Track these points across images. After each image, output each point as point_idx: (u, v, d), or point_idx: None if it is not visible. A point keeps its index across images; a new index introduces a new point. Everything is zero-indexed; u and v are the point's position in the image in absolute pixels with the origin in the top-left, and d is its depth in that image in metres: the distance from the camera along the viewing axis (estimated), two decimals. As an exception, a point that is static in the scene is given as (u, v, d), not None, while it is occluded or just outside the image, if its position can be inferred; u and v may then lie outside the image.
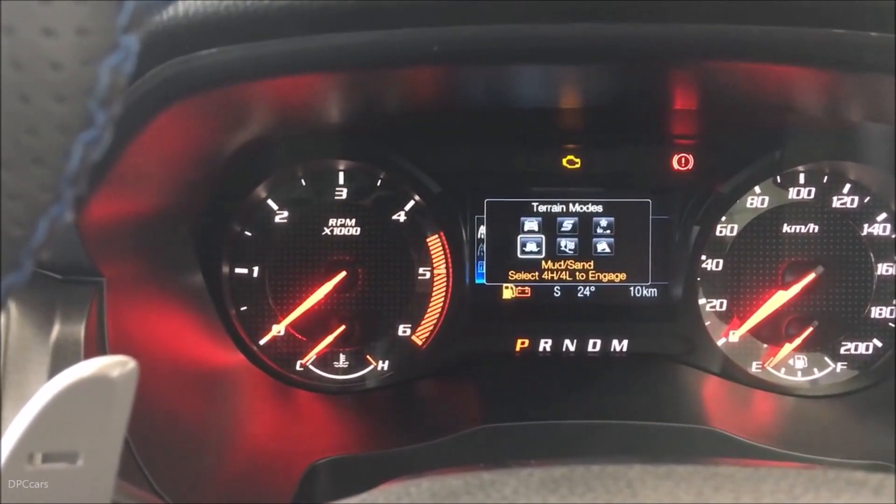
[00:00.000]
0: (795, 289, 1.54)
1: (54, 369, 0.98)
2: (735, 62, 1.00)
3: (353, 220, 1.56)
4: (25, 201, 0.39)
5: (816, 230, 1.55)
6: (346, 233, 1.56)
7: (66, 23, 0.38)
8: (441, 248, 1.57)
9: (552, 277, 1.60)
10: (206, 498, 1.12)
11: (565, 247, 1.60)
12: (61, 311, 1.02)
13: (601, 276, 1.60)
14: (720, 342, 1.58)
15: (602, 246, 1.59)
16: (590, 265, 1.60)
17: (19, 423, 0.59)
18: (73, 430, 0.60)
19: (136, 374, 0.62)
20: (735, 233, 1.56)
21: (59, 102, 0.38)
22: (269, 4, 0.86)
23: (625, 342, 1.59)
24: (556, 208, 1.59)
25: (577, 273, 1.60)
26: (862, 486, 0.58)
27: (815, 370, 1.58)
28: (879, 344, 1.56)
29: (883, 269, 1.55)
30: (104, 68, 0.39)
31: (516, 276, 1.60)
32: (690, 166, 1.57)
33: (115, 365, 0.61)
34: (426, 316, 1.58)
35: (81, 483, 0.61)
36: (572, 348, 1.59)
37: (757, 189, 1.55)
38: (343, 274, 1.54)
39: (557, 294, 1.60)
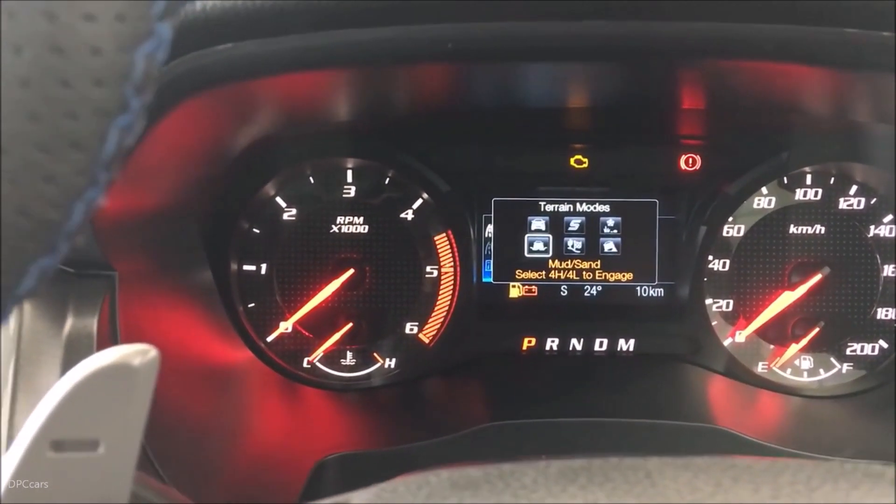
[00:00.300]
0: (802, 289, 1.54)
1: (67, 362, 0.98)
2: (743, 61, 1.01)
3: (361, 219, 1.56)
4: (62, 185, 0.40)
5: (823, 231, 1.56)
6: (354, 231, 1.57)
7: (106, 9, 0.38)
8: (448, 246, 1.58)
9: (559, 277, 1.60)
10: (214, 493, 1.12)
11: (572, 246, 1.60)
12: (74, 305, 1.03)
13: (608, 276, 1.60)
14: (726, 342, 1.58)
15: (609, 245, 1.60)
16: (597, 265, 1.60)
17: (42, 410, 0.59)
18: (95, 419, 0.60)
19: (157, 363, 0.62)
20: (742, 233, 1.57)
21: (97, 87, 0.39)
22: (285, 1, 0.87)
23: (631, 342, 1.59)
24: (564, 208, 1.59)
25: (584, 272, 1.60)
26: (880, 478, 0.58)
27: (821, 371, 1.58)
28: (885, 345, 1.57)
29: (889, 270, 1.56)
30: (140, 55, 0.40)
31: (523, 275, 1.60)
32: (697, 167, 1.57)
33: (137, 353, 0.61)
34: (433, 314, 1.59)
35: (101, 472, 0.62)
36: (579, 347, 1.60)
37: (764, 190, 1.56)
38: (351, 272, 1.55)
39: (564, 293, 1.61)
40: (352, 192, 1.57)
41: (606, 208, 1.59)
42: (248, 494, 1.17)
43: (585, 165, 1.58)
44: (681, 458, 0.59)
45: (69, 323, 1.01)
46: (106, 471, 0.62)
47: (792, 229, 1.56)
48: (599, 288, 1.60)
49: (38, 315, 1.01)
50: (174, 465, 1.07)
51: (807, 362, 1.58)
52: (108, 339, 1.03)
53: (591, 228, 1.60)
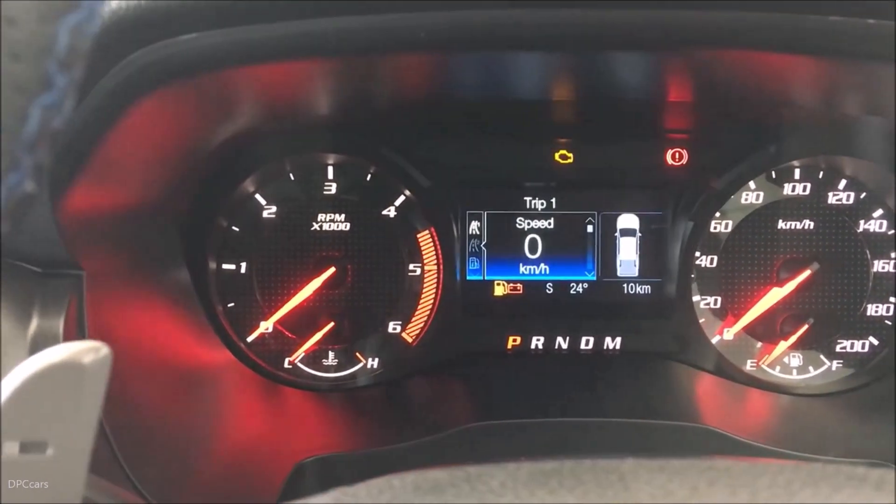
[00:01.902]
0: (790, 286, 1.52)
1: (32, 363, 0.95)
2: (730, 50, 0.98)
3: (343, 216, 1.54)
4: (-22, 169, 0.37)
5: (812, 226, 1.53)
6: (336, 228, 1.54)
7: (21, -23, 0.35)
8: (432, 243, 1.55)
9: (544, 274, 1.57)
10: (189, 497, 1.09)
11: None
12: (40, 305, 1.00)
13: (594, 273, 1.57)
14: (714, 340, 1.56)
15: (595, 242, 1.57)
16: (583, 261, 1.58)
17: (-16, 413, 0.56)
18: (43, 419, 0.58)
19: (109, 361, 0.59)
20: (729, 229, 1.54)
21: (14, 61, 0.36)
22: (253, -13, 0.84)
23: (618, 339, 1.57)
24: (549, 203, 1.56)
25: (570, 269, 1.57)
26: (862, 482, 0.56)
27: (811, 368, 1.56)
28: (875, 342, 1.54)
29: (879, 265, 1.53)
30: (64, 27, 0.37)
31: (508, 273, 1.58)
32: (684, 161, 1.55)
33: (88, 351, 0.58)
34: (416, 313, 1.56)
35: (51, 475, 0.59)
36: (565, 346, 1.57)
37: (751, 184, 1.53)
38: (332, 270, 1.52)
39: (550, 291, 1.58)
40: (333, 188, 1.54)
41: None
42: (224, 497, 1.15)
43: (570, 160, 1.56)
44: (656, 461, 0.56)
45: (34, 324, 0.98)
46: (56, 475, 0.59)
47: (780, 224, 1.54)
48: (585, 285, 1.58)
49: (2, 316, 0.97)
50: (149, 469, 1.05)
51: (796, 360, 1.56)
52: (74, 339, 1.00)
53: (577, 224, 1.57)
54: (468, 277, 1.57)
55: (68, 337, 0.99)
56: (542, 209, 1.57)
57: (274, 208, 1.53)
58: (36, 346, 0.97)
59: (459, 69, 1.16)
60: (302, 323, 1.54)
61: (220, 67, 0.91)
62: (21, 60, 0.36)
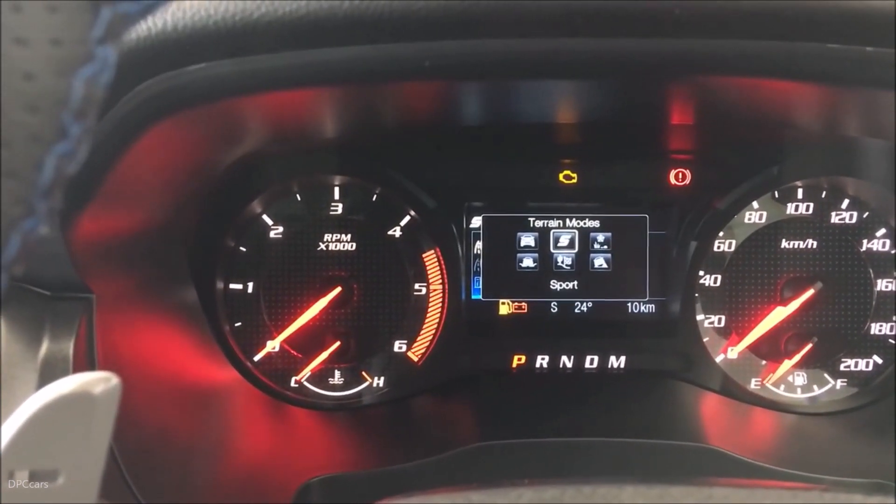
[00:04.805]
0: (794, 305, 1.52)
1: (42, 387, 0.96)
2: (732, 77, 1.00)
3: (349, 236, 1.55)
4: (-4, 215, 0.38)
5: (815, 245, 1.54)
6: (342, 248, 1.55)
7: (39, 33, 0.37)
8: (437, 263, 1.56)
9: (549, 293, 1.58)
10: (196, 516, 1.10)
11: (562, 262, 1.58)
12: (50, 328, 1.01)
13: (598, 292, 1.58)
14: (719, 359, 1.57)
15: (599, 261, 1.58)
16: (587, 281, 1.58)
17: (-2, 442, 0.58)
18: (54, 448, 0.59)
19: (119, 391, 0.61)
20: (733, 248, 1.55)
21: (31, 114, 0.37)
22: (259, 19, 0.86)
23: (622, 358, 1.57)
24: (553, 223, 1.58)
25: (574, 289, 1.58)
26: (860, 508, 0.57)
27: (815, 387, 1.56)
28: (879, 360, 1.55)
29: (882, 284, 1.54)
30: (79, 79, 0.38)
31: (512, 292, 1.59)
32: (688, 181, 1.56)
33: (98, 381, 0.60)
34: (422, 332, 1.57)
35: (62, 502, 0.60)
36: (569, 365, 1.58)
37: (755, 204, 1.54)
38: (338, 289, 1.53)
39: (554, 310, 1.59)
40: (339, 209, 1.55)
41: (596, 224, 1.58)
42: (232, 517, 1.16)
43: (575, 181, 1.57)
44: (656, 489, 0.57)
45: (45, 347, 0.99)
46: (66, 502, 0.60)
47: (784, 244, 1.55)
48: (590, 304, 1.59)
49: (12, 339, 0.99)
50: (156, 490, 1.06)
51: (800, 378, 1.56)
52: (84, 362, 1.02)
53: (581, 244, 1.58)
54: (473, 297, 1.58)
55: (78, 359, 1.01)
56: (546, 229, 1.57)
57: (281, 228, 1.55)
58: (46, 368, 0.99)
59: (464, 95, 1.17)
60: (308, 342, 1.55)
61: (227, 97, 0.92)
62: (38, 113, 0.37)
